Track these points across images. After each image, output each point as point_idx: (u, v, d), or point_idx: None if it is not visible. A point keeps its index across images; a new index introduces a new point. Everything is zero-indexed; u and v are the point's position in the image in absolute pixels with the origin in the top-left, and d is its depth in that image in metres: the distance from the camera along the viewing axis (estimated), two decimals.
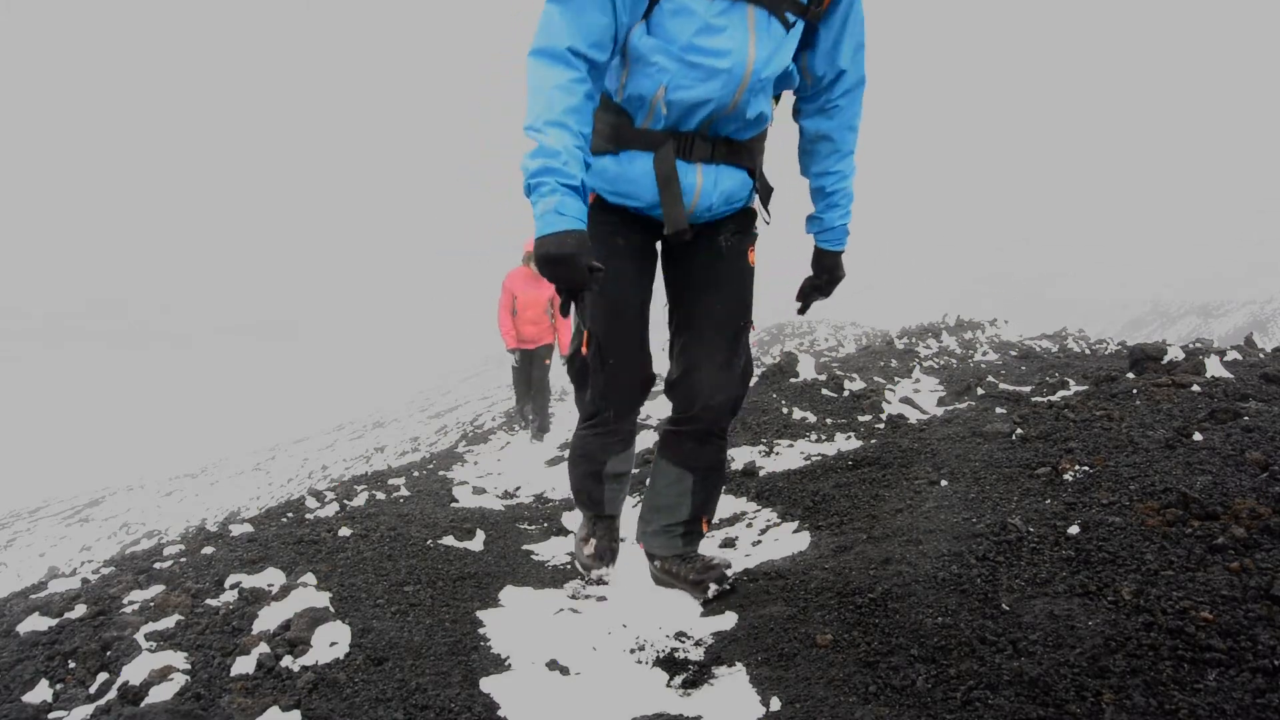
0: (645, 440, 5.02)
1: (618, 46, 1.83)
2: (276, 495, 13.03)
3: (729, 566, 2.46)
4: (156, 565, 2.71)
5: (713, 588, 2.34)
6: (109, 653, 1.95)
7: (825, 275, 2.31)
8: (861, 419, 4.25)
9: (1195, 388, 3.09)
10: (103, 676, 1.86)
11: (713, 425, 2.25)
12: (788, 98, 2.17)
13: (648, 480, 2.47)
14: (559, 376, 9.32)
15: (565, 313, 1.83)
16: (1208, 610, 1.54)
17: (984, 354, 7.85)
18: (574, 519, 3.64)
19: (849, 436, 3.94)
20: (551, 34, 1.72)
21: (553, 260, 1.70)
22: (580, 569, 2.64)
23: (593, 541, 2.55)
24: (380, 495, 4.04)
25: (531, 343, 7.68)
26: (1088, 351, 7.52)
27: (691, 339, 2.22)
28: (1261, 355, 4.68)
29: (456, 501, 3.90)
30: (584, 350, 2.20)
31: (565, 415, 9.84)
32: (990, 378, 5.62)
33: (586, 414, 2.35)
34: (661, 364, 2.38)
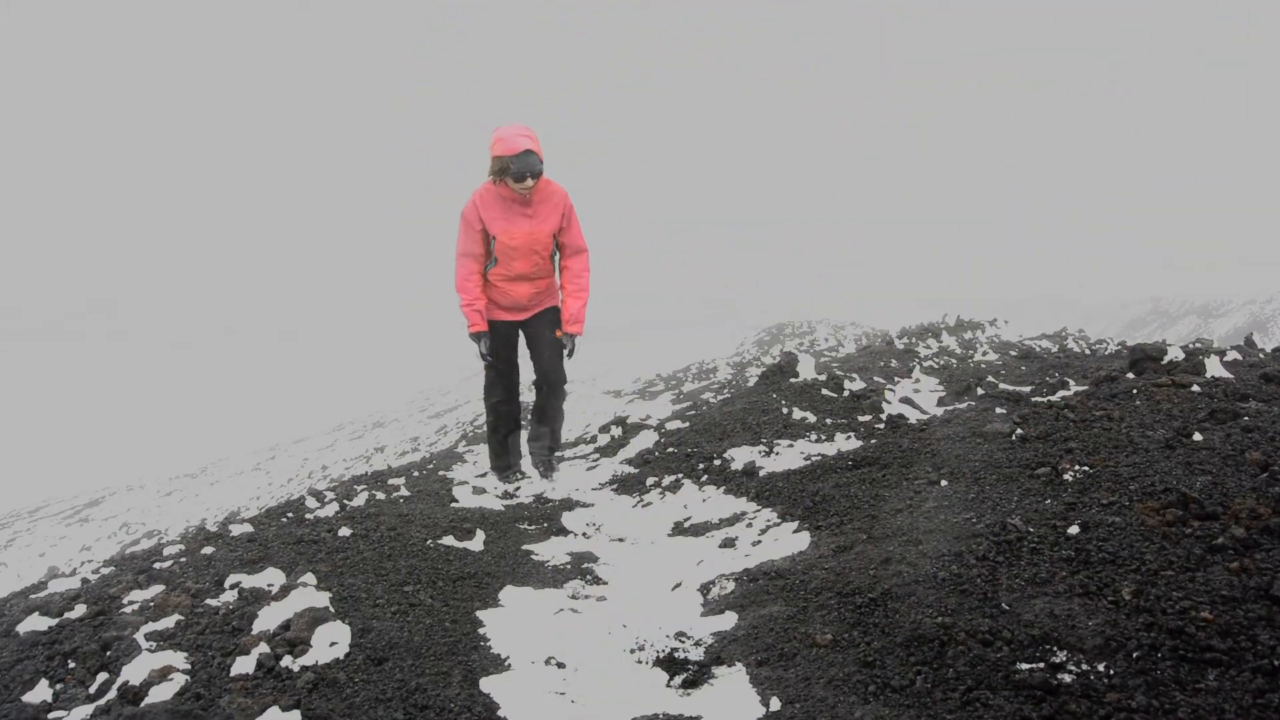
0: (645, 440, 5.02)
1: None
2: (276, 495, 13.03)
3: None
4: (156, 565, 2.71)
5: None
6: (109, 653, 1.95)
7: None
8: (861, 419, 4.25)
9: (1195, 388, 3.09)
10: (103, 676, 1.86)
11: None
12: None
13: None
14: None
15: None
16: (1208, 610, 1.54)
17: (984, 354, 7.84)
18: (574, 519, 3.63)
19: (849, 436, 3.95)
20: None
21: None
22: None
23: None
24: (380, 495, 4.03)
25: (525, 310, 4.22)
26: (1088, 351, 7.51)
27: None
28: (1261, 355, 4.68)
29: (456, 501, 3.90)
30: None
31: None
32: (990, 378, 5.62)
33: None
34: None
